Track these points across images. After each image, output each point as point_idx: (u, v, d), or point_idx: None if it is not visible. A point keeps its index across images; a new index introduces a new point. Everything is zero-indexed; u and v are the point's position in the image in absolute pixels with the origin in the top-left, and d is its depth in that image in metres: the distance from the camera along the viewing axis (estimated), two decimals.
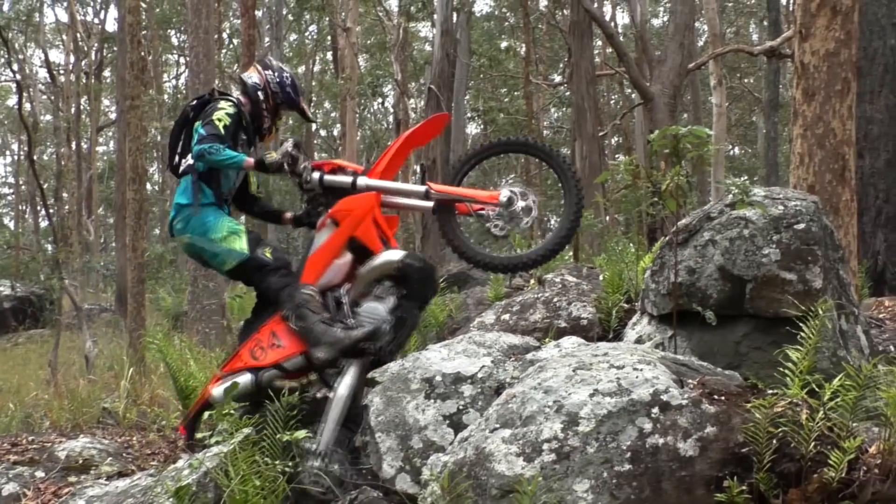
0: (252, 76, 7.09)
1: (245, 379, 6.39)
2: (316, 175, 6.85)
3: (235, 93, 7.10)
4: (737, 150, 57.52)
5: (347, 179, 6.86)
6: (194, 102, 6.85)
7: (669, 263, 7.07)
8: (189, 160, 6.70)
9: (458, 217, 6.95)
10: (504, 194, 6.66)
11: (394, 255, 6.74)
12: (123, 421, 8.93)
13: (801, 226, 6.65)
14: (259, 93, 7.02)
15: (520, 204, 6.57)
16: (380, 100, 56.16)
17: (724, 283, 6.75)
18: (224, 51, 47.81)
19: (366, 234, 6.73)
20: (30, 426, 9.43)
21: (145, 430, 8.62)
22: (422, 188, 6.84)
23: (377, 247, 6.74)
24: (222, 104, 6.79)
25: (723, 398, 4.66)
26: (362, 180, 6.84)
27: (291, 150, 6.69)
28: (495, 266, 6.89)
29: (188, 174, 6.72)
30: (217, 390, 6.34)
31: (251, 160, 6.65)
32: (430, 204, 6.84)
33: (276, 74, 7.09)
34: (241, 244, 6.57)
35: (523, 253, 7.25)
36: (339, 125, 49.52)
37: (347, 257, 6.76)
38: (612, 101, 53.74)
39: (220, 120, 6.65)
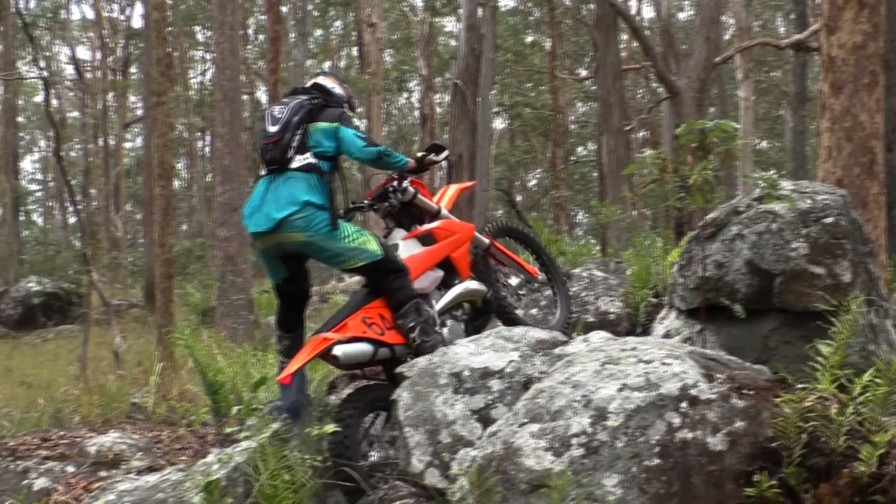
0: (336, 87, 7.28)
1: (366, 348, 6.64)
2: (412, 190, 7.48)
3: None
4: (764, 143, 57.26)
5: (434, 206, 7.67)
6: (315, 101, 6.93)
7: (697, 258, 7.06)
8: (310, 158, 6.72)
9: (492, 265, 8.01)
10: (541, 274, 8.16)
11: (482, 286, 7.55)
12: (153, 416, 8.97)
13: (830, 220, 6.63)
14: (345, 104, 7.18)
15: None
16: (405, 95, 56.24)
17: (752, 278, 6.73)
18: (249, 46, 47.88)
19: (462, 259, 7.51)
20: (60, 421, 9.46)
21: (175, 424, 8.65)
22: (486, 241, 7.93)
23: (466, 273, 7.55)
24: (352, 116, 7.05)
25: (752, 393, 4.65)
26: (444, 211, 7.71)
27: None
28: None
29: (312, 172, 6.71)
30: (342, 351, 6.47)
31: (412, 161, 7.32)
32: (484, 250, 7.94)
33: (348, 88, 7.44)
34: (375, 246, 6.78)
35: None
36: (364, 120, 49.55)
37: (440, 272, 7.39)
38: (638, 96, 53.57)
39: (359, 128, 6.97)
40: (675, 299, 7.44)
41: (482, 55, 24.51)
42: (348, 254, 6.68)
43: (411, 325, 6.70)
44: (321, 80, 7.35)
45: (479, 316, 7.67)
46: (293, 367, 6.32)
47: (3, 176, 45.92)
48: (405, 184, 7.45)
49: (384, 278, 6.83)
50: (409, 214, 7.56)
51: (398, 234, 7.46)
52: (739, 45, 28.15)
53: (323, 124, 6.83)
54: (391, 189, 7.46)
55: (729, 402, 4.53)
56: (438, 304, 7.21)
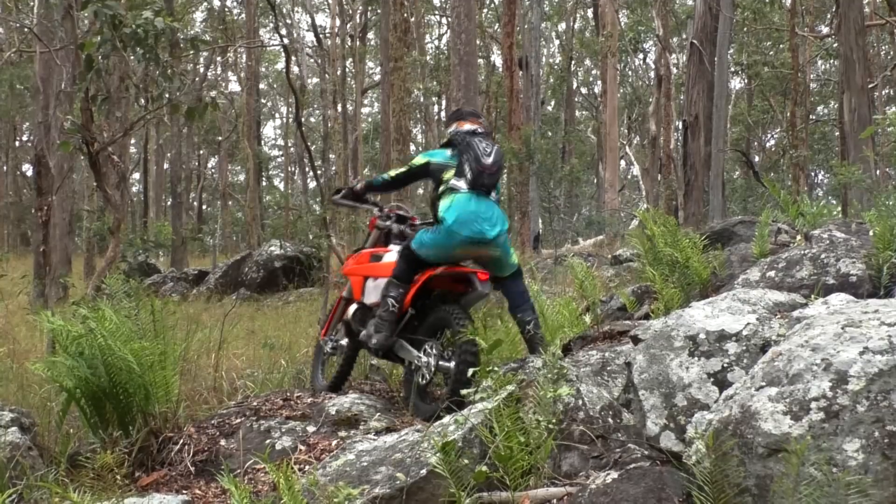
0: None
1: None
2: None
3: None
4: None
5: None
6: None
7: None
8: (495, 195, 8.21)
9: None
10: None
11: None
12: (390, 378, 9.11)
13: None
14: None
15: None
16: (641, 56, 55.84)
17: None
18: (485, 10, 48.14)
19: None
20: (301, 382, 9.69)
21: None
22: None
23: None
24: None
25: None
26: None
27: None
28: None
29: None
30: None
31: None
32: None
33: None
34: (516, 259, 8.29)
35: None
36: (599, 83, 49.29)
37: None
38: (882, 52, 52.11)
39: None
40: None
41: (720, 14, 24.11)
42: (510, 267, 8.17)
43: (529, 318, 8.07)
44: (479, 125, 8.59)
45: None
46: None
47: (247, 142, 47.27)
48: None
49: (517, 281, 8.26)
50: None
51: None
52: None
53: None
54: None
55: None
56: None
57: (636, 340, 6.16)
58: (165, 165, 53.93)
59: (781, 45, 46.64)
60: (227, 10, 55.11)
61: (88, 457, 6.28)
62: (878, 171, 30.42)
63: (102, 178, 10.87)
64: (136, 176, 62.96)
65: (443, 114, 57.61)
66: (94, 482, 6.01)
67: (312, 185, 56.80)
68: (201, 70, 52.59)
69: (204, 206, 69.32)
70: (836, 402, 4.38)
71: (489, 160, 8.01)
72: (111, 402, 6.88)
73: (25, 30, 26.69)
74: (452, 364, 7.41)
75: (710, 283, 9.61)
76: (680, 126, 28.61)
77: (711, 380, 5.55)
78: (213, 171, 71.25)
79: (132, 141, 52.27)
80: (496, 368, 6.18)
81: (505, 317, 9.19)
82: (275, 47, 55.79)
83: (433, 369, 7.70)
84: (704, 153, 23.76)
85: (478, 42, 31.54)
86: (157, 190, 56.34)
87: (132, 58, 10.54)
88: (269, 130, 79.48)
